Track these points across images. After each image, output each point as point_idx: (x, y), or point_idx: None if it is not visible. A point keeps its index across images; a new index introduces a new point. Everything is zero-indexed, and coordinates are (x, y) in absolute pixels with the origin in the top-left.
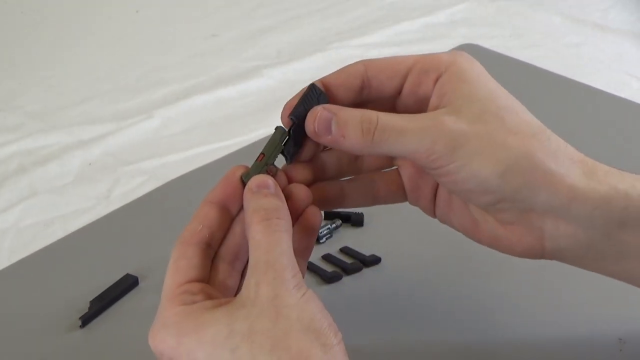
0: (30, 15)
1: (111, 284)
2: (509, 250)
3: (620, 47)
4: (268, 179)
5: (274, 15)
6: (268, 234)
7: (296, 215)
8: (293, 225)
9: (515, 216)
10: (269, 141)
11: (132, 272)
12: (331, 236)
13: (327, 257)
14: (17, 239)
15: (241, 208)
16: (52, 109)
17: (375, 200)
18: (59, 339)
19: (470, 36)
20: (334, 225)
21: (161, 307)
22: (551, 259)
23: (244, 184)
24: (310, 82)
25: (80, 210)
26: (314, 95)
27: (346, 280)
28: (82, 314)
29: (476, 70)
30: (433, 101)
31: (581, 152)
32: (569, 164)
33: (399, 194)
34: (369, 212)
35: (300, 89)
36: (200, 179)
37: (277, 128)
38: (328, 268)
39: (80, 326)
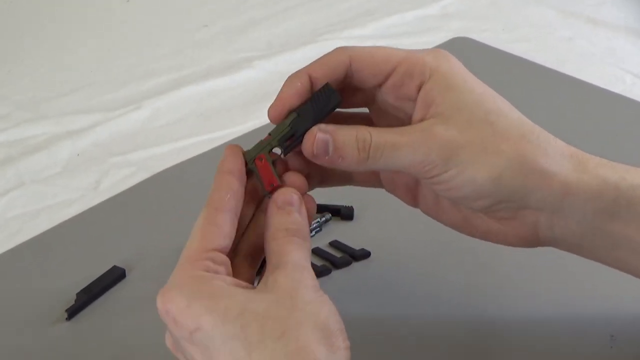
0: (18, 5)
1: (98, 275)
2: (503, 242)
3: (613, 42)
4: (293, 196)
5: (265, 6)
6: (290, 245)
7: None
8: None
9: (509, 214)
10: (278, 124)
11: (119, 264)
12: (320, 230)
13: (316, 251)
14: (3, 230)
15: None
16: (40, 99)
17: (351, 181)
18: (45, 331)
19: (462, 29)
20: (323, 219)
21: (180, 267)
22: (546, 246)
23: (245, 162)
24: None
25: (67, 201)
26: (325, 94)
27: (335, 274)
28: (69, 306)
29: (461, 74)
30: (419, 109)
31: (573, 147)
32: (560, 159)
33: (375, 180)
34: (359, 206)
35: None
36: (189, 171)
37: (290, 113)
38: (317, 262)
39: (67, 318)
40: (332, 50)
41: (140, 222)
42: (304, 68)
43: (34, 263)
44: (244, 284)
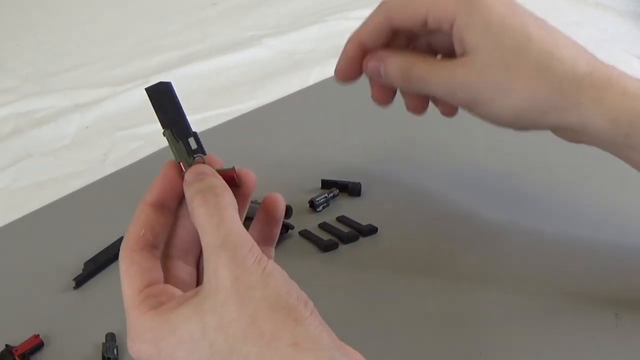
0: None
1: (105, 246)
2: None
3: (621, 27)
4: (203, 167)
5: None
6: (210, 215)
7: (247, 199)
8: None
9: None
10: (174, 151)
11: None
12: (328, 205)
13: (323, 226)
14: (11, 201)
15: (180, 202)
16: (48, 72)
17: None
18: (53, 300)
19: None
20: (331, 195)
21: (129, 317)
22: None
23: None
24: (311, 52)
25: (75, 173)
26: (160, 93)
27: (342, 248)
28: (76, 275)
29: (483, 10)
30: (457, 47)
31: (593, 64)
32: (576, 93)
33: None
34: (366, 183)
35: (295, 61)
36: None
37: (164, 134)
38: (324, 236)
39: (74, 287)
40: (373, 12)
41: None
42: (354, 36)
43: (42, 233)
44: (190, 294)
